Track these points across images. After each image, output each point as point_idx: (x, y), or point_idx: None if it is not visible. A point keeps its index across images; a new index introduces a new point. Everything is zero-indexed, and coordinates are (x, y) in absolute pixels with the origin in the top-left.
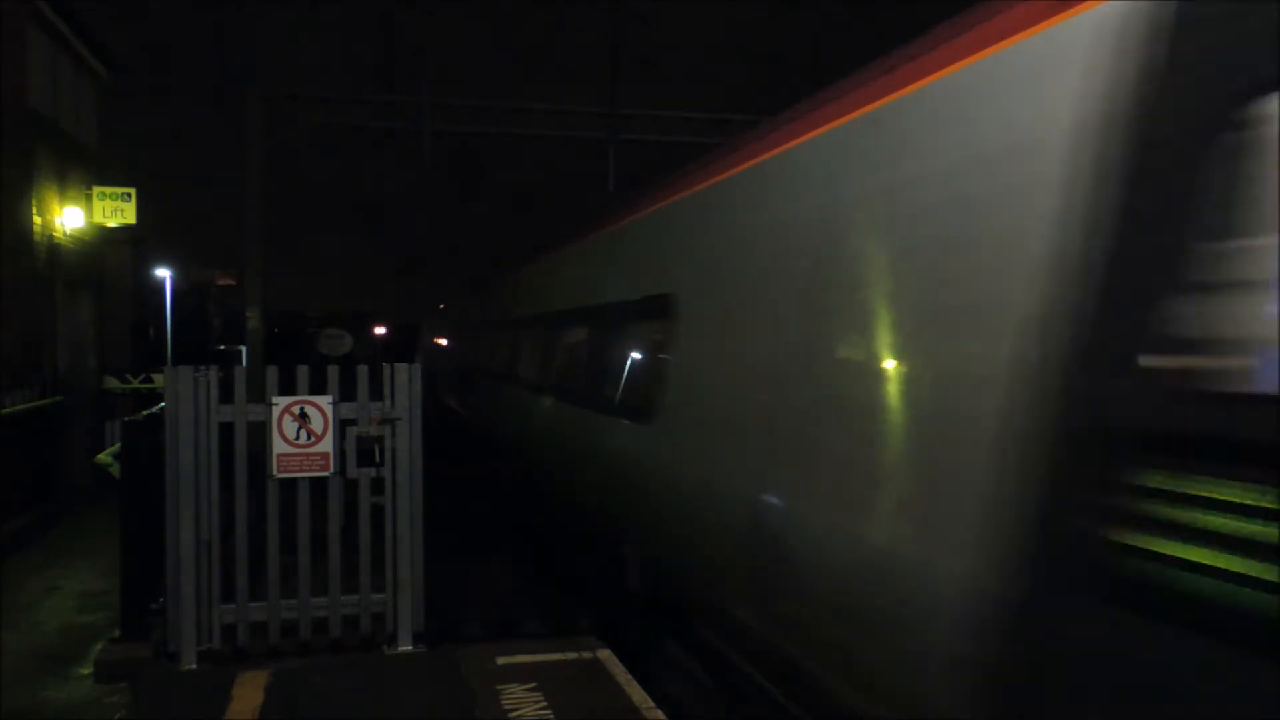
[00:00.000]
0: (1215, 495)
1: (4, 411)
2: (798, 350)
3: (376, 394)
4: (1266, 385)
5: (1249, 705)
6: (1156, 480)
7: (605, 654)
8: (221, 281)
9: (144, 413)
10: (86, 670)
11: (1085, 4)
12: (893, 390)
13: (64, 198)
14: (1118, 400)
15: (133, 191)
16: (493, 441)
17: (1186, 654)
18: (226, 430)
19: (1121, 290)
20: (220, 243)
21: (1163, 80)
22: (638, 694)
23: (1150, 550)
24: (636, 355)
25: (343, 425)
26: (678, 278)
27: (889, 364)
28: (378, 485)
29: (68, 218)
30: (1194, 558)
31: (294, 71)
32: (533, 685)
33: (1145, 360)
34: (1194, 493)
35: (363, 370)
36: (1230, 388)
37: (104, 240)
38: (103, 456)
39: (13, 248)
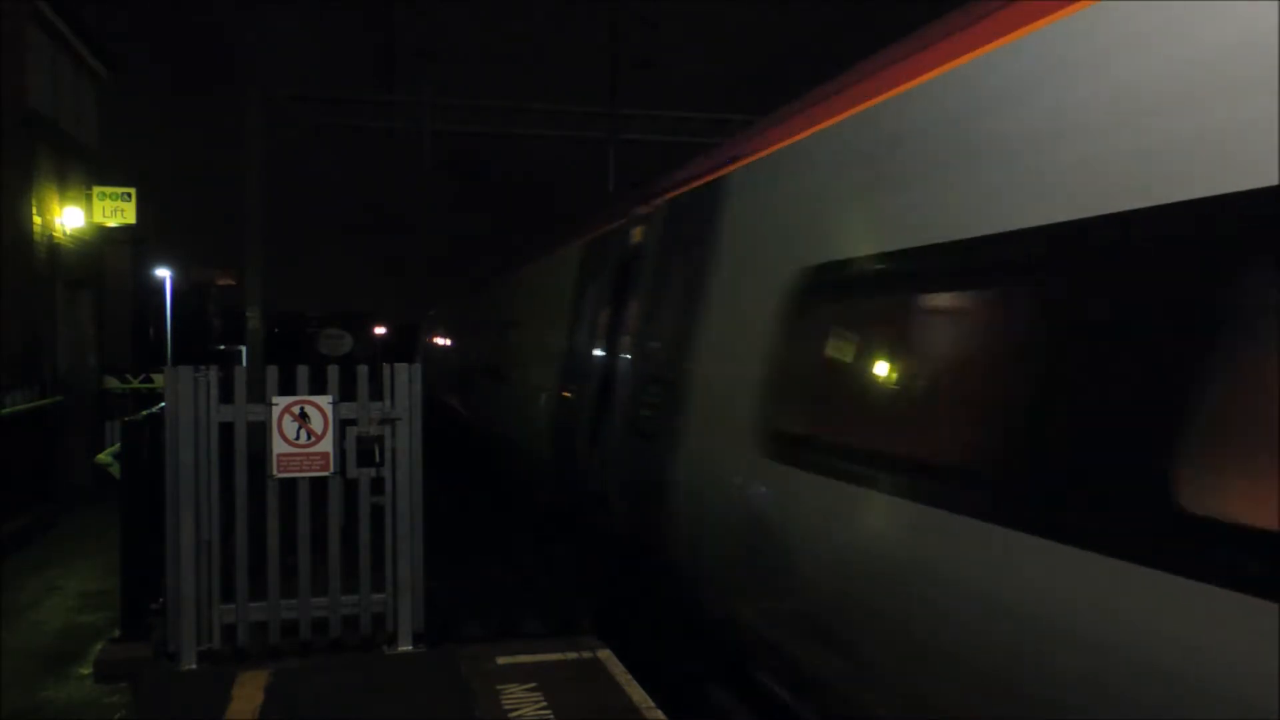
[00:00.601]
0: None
1: (4, 411)
2: (527, 355)
3: (376, 394)
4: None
5: None
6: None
7: (605, 654)
8: (221, 281)
9: (144, 413)
10: (86, 670)
11: (581, 240)
12: (533, 378)
13: (64, 198)
14: (577, 387)
15: (133, 191)
16: (461, 405)
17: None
18: (226, 430)
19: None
20: (220, 243)
21: (586, 274)
22: (638, 694)
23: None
24: (504, 349)
25: (343, 425)
26: (511, 313)
27: (538, 369)
28: (378, 485)
29: (68, 218)
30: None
31: (294, 71)
32: (533, 685)
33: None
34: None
35: (363, 370)
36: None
37: (104, 240)
38: (103, 456)
39: (13, 248)
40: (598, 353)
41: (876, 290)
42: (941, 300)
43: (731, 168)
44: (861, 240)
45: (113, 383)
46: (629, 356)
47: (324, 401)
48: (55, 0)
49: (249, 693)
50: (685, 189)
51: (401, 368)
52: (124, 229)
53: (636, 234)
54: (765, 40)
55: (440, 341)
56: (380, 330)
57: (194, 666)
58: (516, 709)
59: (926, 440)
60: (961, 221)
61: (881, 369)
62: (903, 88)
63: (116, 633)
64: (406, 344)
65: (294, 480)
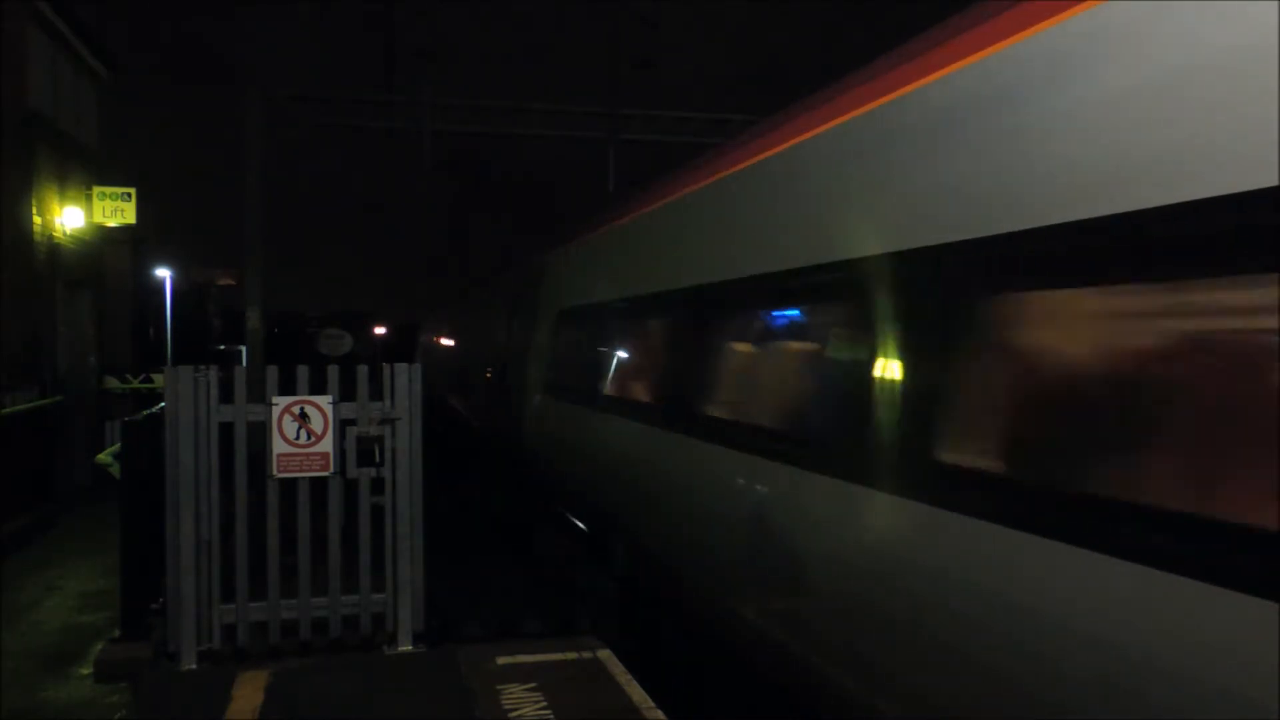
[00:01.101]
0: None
1: (4, 411)
2: (477, 349)
3: (376, 394)
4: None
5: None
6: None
7: (605, 654)
8: (221, 281)
9: (144, 413)
10: (86, 670)
11: (502, 276)
12: (491, 375)
13: (64, 198)
14: (512, 381)
15: (133, 191)
16: (455, 398)
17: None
18: (226, 430)
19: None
20: (220, 243)
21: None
22: (638, 694)
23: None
24: (490, 350)
25: (343, 425)
26: (495, 324)
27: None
28: (378, 485)
29: (68, 218)
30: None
31: (295, 72)
32: (533, 685)
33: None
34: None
35: (363, 370)
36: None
37: (104, 240)
38: (103, 456)
39: (13, 248)
40: (503, 346)
41: (581, 321)
42: (610, 327)
43: (547, 254)
44: (577, 298)
45: (113, 383)
46: (511, 349)
47: (324, 401)
48: (55, 0)
49: (249, 693)
50: (538, 256)
51: (401, 368)
52: (124, 229)
53: (523, 276)
54: (765, 40)
55: (437, 340)
56: (380, 330)
57: (194, 666)
58: (516, 709)
59: (592, 381)
60: (591, 297)
61: (580, 354)
62: (582, 237)
63: (116, 633)
64: (406, 344)
65: (294, 480)
